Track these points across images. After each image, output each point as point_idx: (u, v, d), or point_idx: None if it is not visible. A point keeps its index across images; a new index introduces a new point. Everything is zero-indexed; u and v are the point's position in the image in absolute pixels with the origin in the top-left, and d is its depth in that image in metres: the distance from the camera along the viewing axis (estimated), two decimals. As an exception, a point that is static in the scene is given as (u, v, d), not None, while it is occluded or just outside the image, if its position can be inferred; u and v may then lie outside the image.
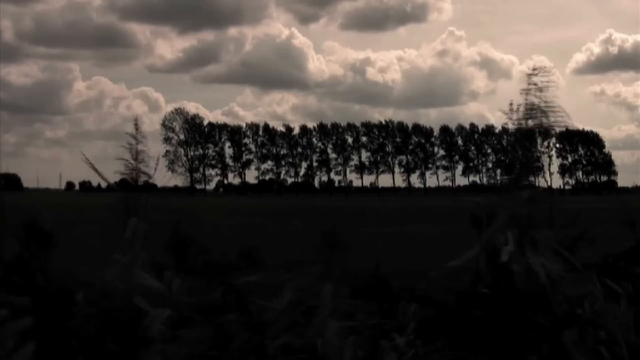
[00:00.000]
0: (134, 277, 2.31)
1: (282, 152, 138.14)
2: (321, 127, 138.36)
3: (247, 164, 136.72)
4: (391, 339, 2.38)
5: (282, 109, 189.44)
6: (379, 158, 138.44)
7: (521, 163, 2.72)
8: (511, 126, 2.73)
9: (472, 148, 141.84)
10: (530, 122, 2.69)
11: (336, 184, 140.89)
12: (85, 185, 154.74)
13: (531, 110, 2.66)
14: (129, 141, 2.68)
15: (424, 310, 2.54)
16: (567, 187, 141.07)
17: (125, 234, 2.43)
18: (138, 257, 2.39)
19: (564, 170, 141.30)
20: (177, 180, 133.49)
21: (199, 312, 2.36)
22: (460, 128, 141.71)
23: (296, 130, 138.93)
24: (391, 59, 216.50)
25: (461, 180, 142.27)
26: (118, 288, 2.27)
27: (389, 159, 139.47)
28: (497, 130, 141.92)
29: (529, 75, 2.64)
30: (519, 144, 2.75)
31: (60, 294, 2.26)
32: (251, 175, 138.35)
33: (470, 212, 2.54)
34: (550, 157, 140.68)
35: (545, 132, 2.77)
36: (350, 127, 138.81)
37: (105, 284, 2.30)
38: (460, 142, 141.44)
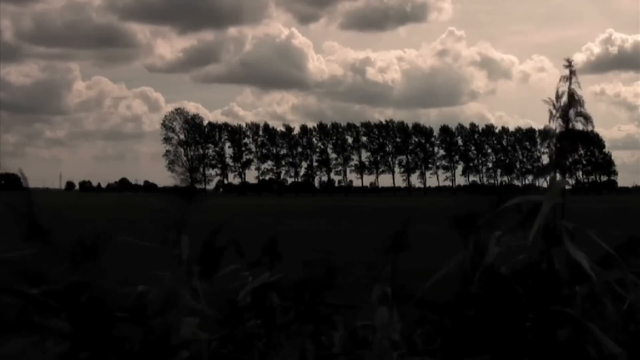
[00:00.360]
0: (180, 298, 2.25)
1: (282, 152, 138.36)
2: (321, 127, 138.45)
3: (247, 163, 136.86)
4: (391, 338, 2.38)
5: (282, 109, 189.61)
6: (379, 158, 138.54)
7: (558, 154, 2.69)
8: (556, 115, 2.69)
9: (472, 148, 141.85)
10: (572, 112, 2.68)
11: (336, 184, 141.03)
12: (85, 185, 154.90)
13: (573, 99, 2.64)
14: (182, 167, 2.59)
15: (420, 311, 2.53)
16: (567, 186, 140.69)
17: (181, 253, 2.35)
18: (185, 276, 2.33)
19: (563, 170, 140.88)
20: (177, 180, 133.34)
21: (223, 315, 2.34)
22: (460, 128, 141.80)
23: (296, 130, 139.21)
24: (391, 59, 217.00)
25: (461, 180, 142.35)
26: (160, 309, 2.21)
27: (389, 159, 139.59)
28: (497, 130, 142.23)
29: (568, 65, 2.62)
30: (566, 135, 2.73)
31: (102, 317, 2.21)
32: (251, 175, 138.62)
33: (454, 213, 2.50)
34: (550, 157, 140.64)
35: (587, 123, 2.76)
36: (350, 127, 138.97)
37: (148, 303, 2.24)
38: (460, 142, 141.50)
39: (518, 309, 2.30)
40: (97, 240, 2.39)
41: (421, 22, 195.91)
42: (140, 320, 2.19)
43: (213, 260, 2.51)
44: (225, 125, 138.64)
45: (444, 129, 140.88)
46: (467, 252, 2.41)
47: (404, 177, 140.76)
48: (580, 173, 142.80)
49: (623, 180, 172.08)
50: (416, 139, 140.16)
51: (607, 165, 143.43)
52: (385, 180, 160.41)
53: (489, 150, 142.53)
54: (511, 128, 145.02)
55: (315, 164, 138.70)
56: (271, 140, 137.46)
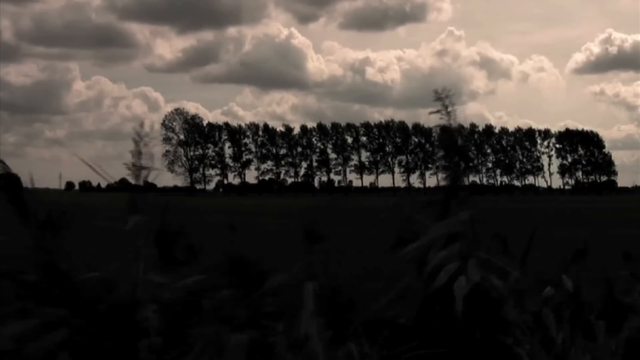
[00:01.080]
0: (137, 271, 2.36)
1: (282, 152, 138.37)
2: (320, 127, 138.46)
3: (247, 164, 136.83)
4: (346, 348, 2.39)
5: (281, 109, 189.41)
6: (378, 158, 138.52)
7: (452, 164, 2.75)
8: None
9: (472, 148, 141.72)
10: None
11: (336, 184, 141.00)
12: (85, 185, 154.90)
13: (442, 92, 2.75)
14: (135, 140, 2.67)
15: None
16: (567, 187, 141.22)
17: (126, 227, 2.48)
18: (141, 252, 2.44)
19: (563, 170, 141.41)
20: (177, 180, 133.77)
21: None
22: (460, 128, 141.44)
23: (296, 130, 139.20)
24: (390, 59, 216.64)
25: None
26: (120, 282, 2.33)
27: (389, 159, 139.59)
28: (496, 130, 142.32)
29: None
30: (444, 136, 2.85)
31: (93, 303, 2.29)
32: (251, 175, 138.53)
33: (398, 232, 2.55)
34: (550, 157, 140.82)
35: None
36: (350, 127, 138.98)
37: (109, 277, 2.35)
38: (460, 142, 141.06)
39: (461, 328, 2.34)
40: (61, 216, 2.49)
41: (420, 22, 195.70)
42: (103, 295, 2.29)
43: (166, 245, 2.59)
44: (226, 125, 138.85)
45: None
46: (420, 275, 2.46)
47: (404, 177, 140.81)
48: (580, 173, 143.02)
49: (623, 180, 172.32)
50: (416, 139, 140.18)
51: (606, 165, 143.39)
52: (385, 180, 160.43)
53: (489, 151, 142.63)
54: (510, 128, 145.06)
55: (315, 164, 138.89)
56: (271, 140, 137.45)
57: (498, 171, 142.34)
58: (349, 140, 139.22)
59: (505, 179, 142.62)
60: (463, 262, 2.43)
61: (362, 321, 2.40)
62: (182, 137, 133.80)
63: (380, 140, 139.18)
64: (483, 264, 2.43)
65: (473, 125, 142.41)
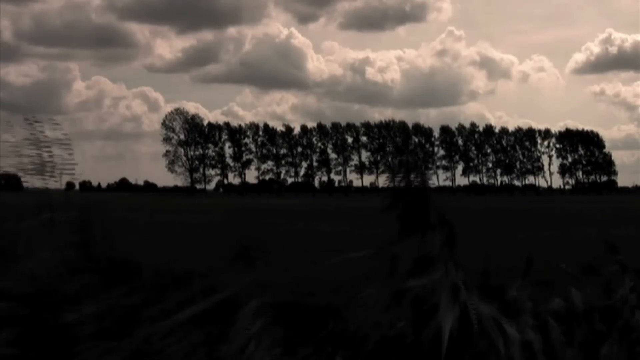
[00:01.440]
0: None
1: (282, 152, 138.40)
2: (320, 127, 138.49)
3: (247, 163, 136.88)
4: None
5: (281, 109, 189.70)
6: (379, 158, 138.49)
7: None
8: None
9: (472, 148, 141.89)
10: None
11: (336, 184, 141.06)
12: (85, 185, 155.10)
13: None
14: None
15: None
16: (567, 187, 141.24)
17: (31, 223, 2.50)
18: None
19: (564, 170, 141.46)
20: (177, 180, 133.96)
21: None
22: (461, 128, 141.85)
23: (296, 130, 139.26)
24: (390, 59, 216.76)
25: (461, 180, 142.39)
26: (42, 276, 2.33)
27: (389, 158, 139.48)
28: (496, 130, 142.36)
29: None
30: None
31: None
32: (251, 175, 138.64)
33: (391, 255, 2.46)
34: (550, 157, 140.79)
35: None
36: (350, 127, 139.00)
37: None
38: (460, 142, 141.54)
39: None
40: None
41: (420, 22, 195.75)
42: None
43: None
44: (226, 125, 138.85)
45: (444, 129, 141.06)
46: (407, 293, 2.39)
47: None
48: (580, 173, 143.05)
49: (623, 180, 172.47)
50: (416, 139, 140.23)
51: (607, 165, 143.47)
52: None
53: (489, 150, 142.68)
54: (510, 128, 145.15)
55: (315, 164, 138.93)
56: (271, 140, 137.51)
57: (498, 171, 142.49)
58: (349, 140, 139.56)
59: (505, 178, 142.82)
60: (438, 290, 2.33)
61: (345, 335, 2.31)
62: (182, 137, 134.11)
63: (381, 140, 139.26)
64: (465, 285, 2.34)
65: (473, 125, 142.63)
